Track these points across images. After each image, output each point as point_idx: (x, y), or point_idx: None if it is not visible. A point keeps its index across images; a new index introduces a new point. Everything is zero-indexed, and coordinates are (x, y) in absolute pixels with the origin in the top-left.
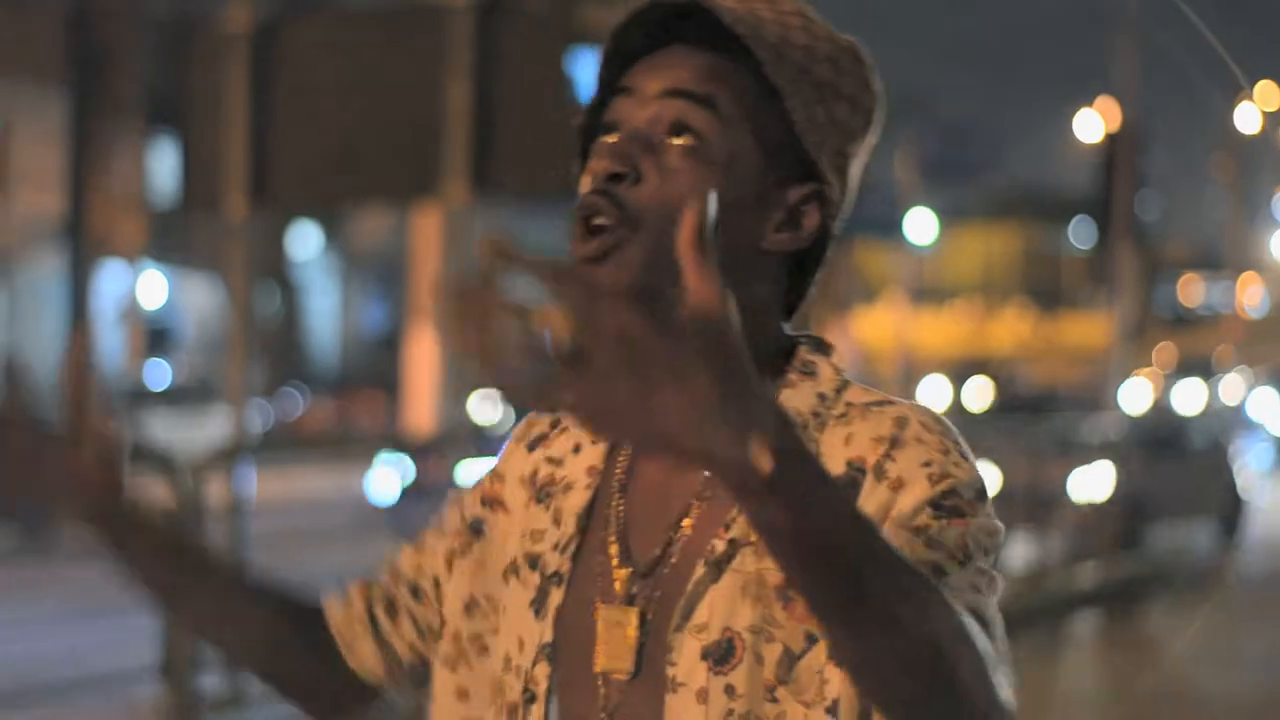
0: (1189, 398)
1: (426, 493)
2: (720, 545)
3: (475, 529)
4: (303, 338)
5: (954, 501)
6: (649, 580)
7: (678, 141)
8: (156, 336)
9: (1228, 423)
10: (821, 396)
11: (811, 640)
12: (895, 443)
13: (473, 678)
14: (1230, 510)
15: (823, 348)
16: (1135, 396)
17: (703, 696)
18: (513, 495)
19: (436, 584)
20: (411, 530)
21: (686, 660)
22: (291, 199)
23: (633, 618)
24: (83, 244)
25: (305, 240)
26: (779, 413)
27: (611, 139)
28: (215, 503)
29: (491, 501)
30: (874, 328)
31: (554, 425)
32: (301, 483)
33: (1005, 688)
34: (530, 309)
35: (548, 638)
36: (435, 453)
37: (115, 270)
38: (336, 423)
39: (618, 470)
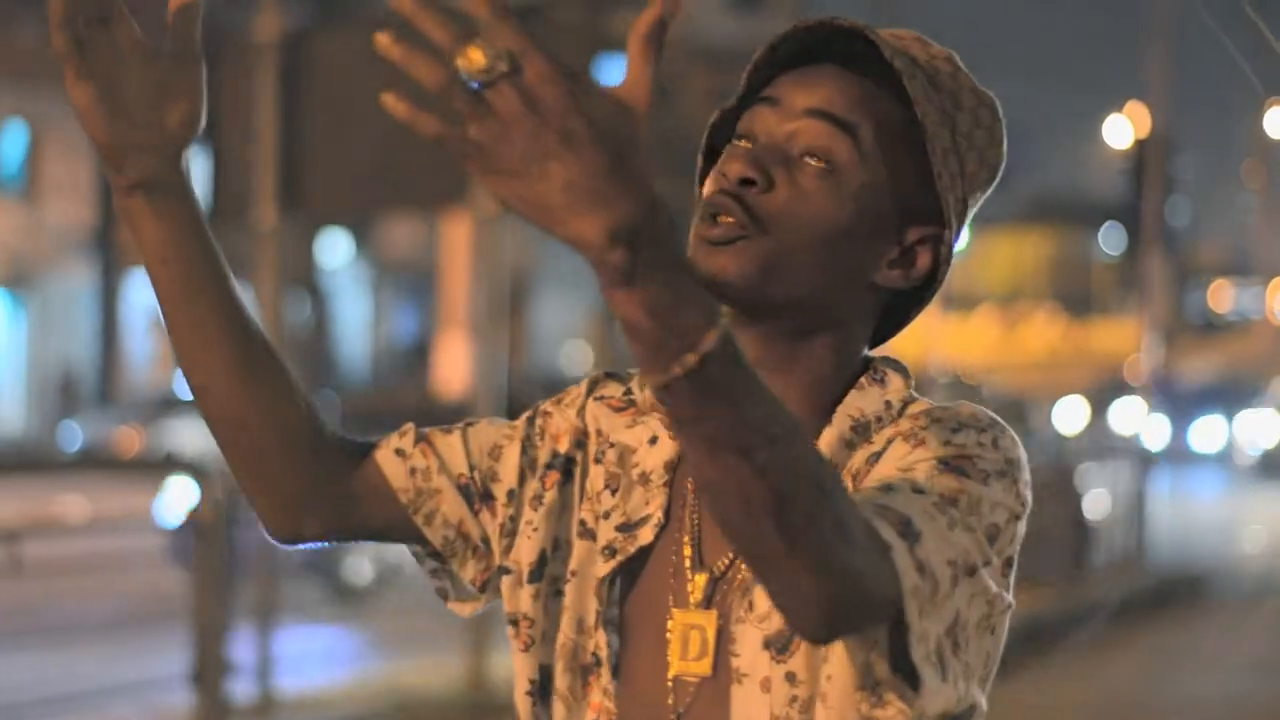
0: (1124, 416)
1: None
2: None
3: (566, 468)
4: (333, 346)
5: (963, 464)
6: (724, 581)
7: (813, 163)
8: None
9: (1085, 444)
10: (888, 404)
11: None
12: (932, 416)
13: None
14: (1077, 539)
15: (898, 365)
16: (1069, 416)
17: (766, 685)
18: (591, 449)
19: (510, 495)
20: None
21: (749, 650)
22: (321, 207)
23: (712, 621)
24: (112, 253)
25: (335, 248)
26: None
27: (746, 144)
28: (246, 512)
29: (581, 445)
30: (903, 334)
31: (626, 394)
32: None
33: (869, 558)
34: (459, 45)
35: (614, 615)
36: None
37: (145, 279)
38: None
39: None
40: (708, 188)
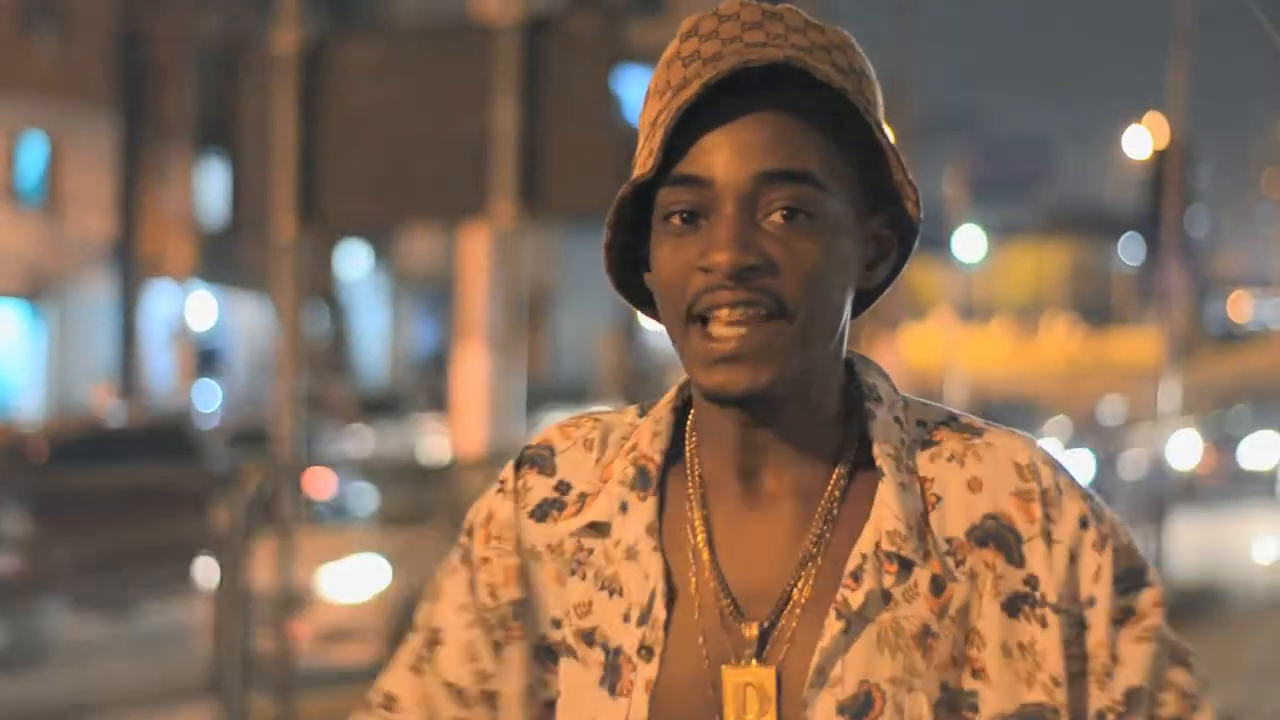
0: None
1: None
2: (855, 597)
3: (518, 612)
4: (352, 358)
5: (1127, 565)
6: (771, 636)
7: (787, 218)
8: (206, 357)
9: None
10: (897, 420)
11: (945, 689)
12: (1045, 500)
13: None
14: None
15: (869, 363)
16: (1183, 449)
17: None
18: (537, 570)
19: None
20: None
21: (822, 717)
22: (340, 219)
23: (770, 677)
24: (132, 265)
25: (354, 260)
26: None
27: (728, 222)
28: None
29: (520, 575)
30: (923, 345)
31: (561, 489)
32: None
33: None
34: None
35: (640, 715)
36: None
37: (165, 291)
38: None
39: (690, 523)
40: (670, 274)
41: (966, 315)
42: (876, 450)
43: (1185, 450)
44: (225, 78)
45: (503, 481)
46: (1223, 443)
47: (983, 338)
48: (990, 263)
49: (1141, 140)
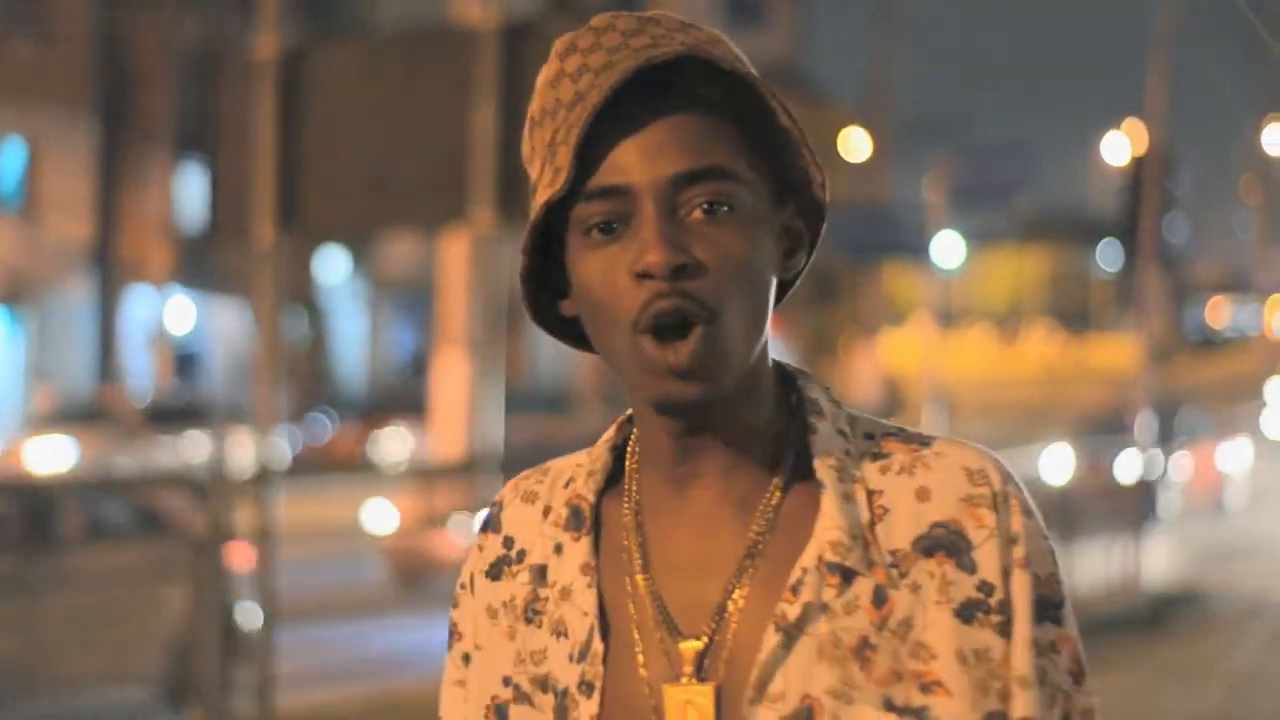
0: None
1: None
2: (793, 610)
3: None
4: (330, 363)
5: (1044, 592)
6: (709, 653)
7: (708, 214)
8: (184, 361)
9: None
10: (841, 433)
11: (889, 704)
12: (995, 506)
13: None
14: None
15: (806, 375)
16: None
17: None
18: (484, 633)
19: None
20: None
21: None
22: (319, 225)
23: (709, 694)
24: (111, 269)
25: (333, 265)
26: None
27: (653, 223)
28: (244, 527)
29: (467, 658)
30: (902, 350)
31: (507, 544)
32: (328, 509)
33: None
34: None
35: None
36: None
37: (144, 295)
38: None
39: (626, 551)
40: (602, 286)
41: (945, 321)
42: (818, 463)
43: (1058, 466)
44: (204, 83)
45: (478, 546)
46: (1101, 457)
47: (962, 344)
48: (969, 269)
49: (1120, 147)
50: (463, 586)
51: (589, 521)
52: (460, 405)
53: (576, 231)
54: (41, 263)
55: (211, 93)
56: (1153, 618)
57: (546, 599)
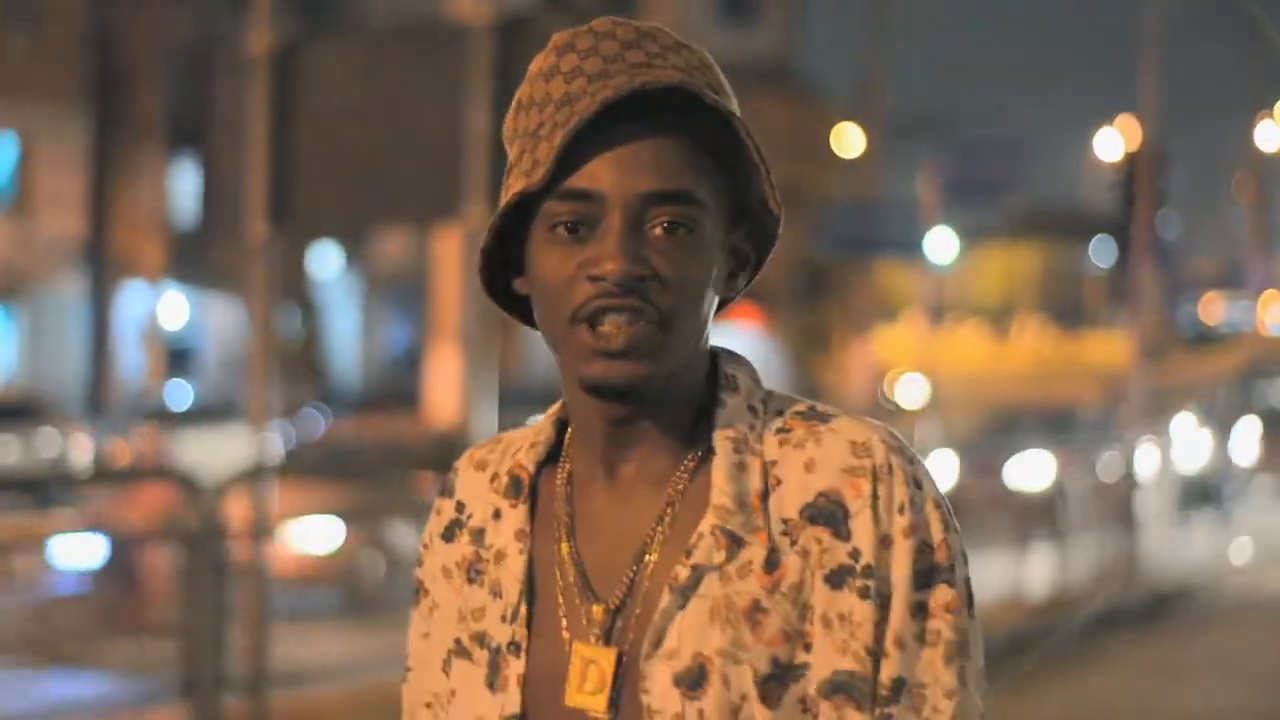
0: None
1: None
2: (684, 572)
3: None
4: (324, 358)
5: (930, 561)
6: (621, 615)
7: (668, 233)
8: (178, 357)
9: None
10: (751, 409)
11: (775, 664)
12: (875, 476)
13: None
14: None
15: (736, 358)
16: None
17: None
18: (440, 590)
19: None
20: None
21: (659, 688)
22: (312, 221)
23: (609, 655)
24: (104, 265)
25: (326, 261)
26: None
27: (618, 235)
28: (237, 524)
29: (427, 612)
30: (895, 347)
31: (459, 509)
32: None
33: None
34: None
35: (513, 709)
36: None
37: (137, 291)
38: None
39: (557, 519)
40: (554, 280)
41: (938, 317)
42: (716, 435)
43: (942, 471)
44: (197, 78)
45: (436, 510)
46: (989, 461)
47: (955, 340)
48: (962, 265)
49: (1113, 143)
50: (424, 546)
51: (526, 490)
52: (454, 400)
53: (542, 224)
54: (34, 258)
55: (204, 89)
56: (1147, 614)
57: (486, 560)
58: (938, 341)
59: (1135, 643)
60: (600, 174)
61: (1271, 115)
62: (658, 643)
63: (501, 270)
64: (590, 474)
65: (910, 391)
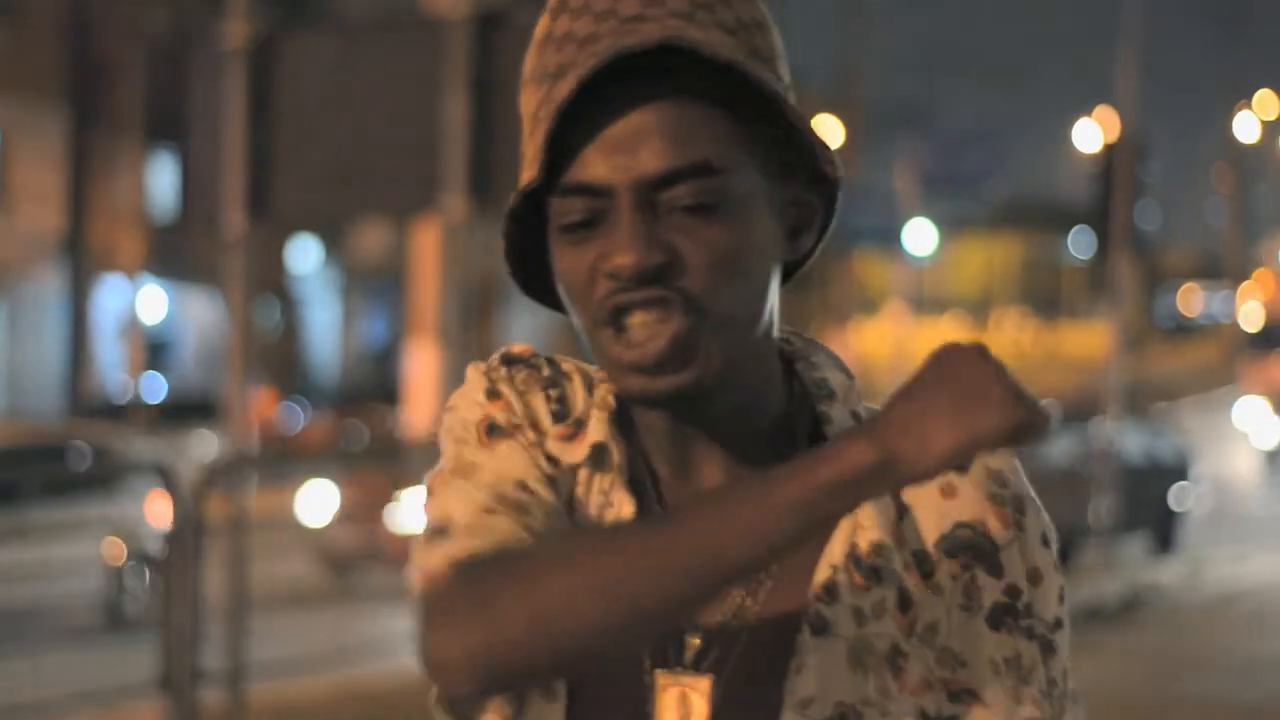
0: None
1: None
2: (829, 611)
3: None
4: (302, 352)
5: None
6: (717, 645)
7: (692, 210)
8: (156, 351)
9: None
10: (855, 416)
11: (923, 716)
12: (1017, 507)
13: None
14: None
15: (815, 346)
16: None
17: None
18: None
19: None
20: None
21: None
22: (290, 213)
23: (704, 685)
24: (82, 259)
25: (305, 254)
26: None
27: (628, 224)
28: (214, 518)
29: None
30: (874, 338)
31: (559, 401)
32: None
33: None
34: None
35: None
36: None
37: (115, 285)
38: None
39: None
40: (573, 280)
41: (918, 309)
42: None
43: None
44: (175, 71)
45: (489, 373)
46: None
47: (934, 331)
48: (941, 256)
49: (1092, 134)
50: (496, 394)
51: (614, 465)
52: (432, 393)
53: (555, 224)
54: (12, 252)
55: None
56: (1123, 605)
57: (572, 475)
58: (917, 333)
59: (1110, 633)
60: (603, 162)
61: (1250, 106)
62: (793, 689)
63: (536, 264)
64: (661, 471)
65: (891, 384)
